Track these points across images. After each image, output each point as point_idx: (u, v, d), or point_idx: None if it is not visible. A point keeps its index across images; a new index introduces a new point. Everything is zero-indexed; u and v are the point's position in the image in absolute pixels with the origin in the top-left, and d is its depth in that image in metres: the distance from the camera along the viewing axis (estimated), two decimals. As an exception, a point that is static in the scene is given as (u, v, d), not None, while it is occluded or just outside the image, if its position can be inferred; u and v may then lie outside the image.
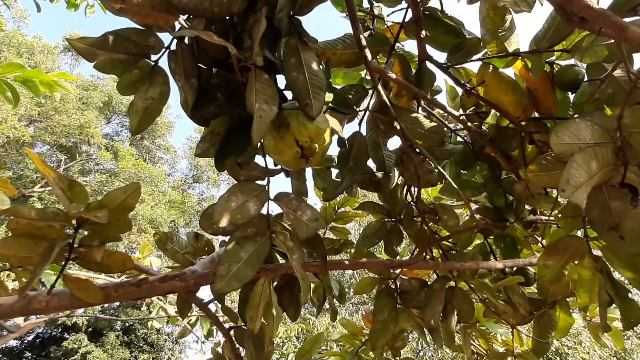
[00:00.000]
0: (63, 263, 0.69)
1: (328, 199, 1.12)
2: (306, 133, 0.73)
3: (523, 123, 0.93)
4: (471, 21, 1.10)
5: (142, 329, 12.77)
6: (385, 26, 1.07)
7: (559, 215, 0.95)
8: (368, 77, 1.37)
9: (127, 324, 12.48)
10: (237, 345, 0.96)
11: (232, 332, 0.96)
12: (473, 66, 1.07)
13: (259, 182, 0.82)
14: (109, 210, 0.66)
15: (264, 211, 0.80)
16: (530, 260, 1.12)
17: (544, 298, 1.07)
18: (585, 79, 0.86)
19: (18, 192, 11.53)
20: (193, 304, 0.96)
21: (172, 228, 15.36)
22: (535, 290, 1.19)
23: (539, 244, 1.27)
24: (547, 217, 1.16)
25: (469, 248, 1.28)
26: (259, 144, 0.83)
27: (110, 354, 11.88)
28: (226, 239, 0.92)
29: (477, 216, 0.83)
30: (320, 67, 0.78)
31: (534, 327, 1.09)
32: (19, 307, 0.67)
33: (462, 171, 1.22)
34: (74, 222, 0.67)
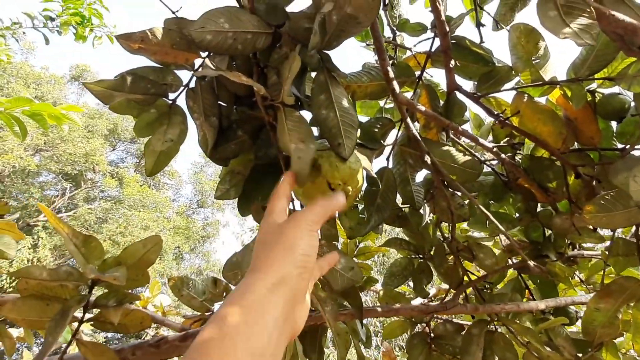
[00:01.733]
0: (76, 325, 0.63)
1: (353, 237, 1.06)
2: (339, 175, 0.67)
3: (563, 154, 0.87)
4: (496, 46, 1.06)
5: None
6: (410, 54, 1.02)
7: (606, 252, 0.88)
8: (387, 106, 1.32)
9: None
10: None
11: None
12: (504, 95, 1.02)
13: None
14: (127, 267, 0.60)
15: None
16: (573, 299, 1.04)
17: (591, 340, 0.99)
18: (632, 106, 0.80)
19: (23, 221, 11.52)
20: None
21: (177, 254, 15.21)
22: (577, 330, 1.11)
23: (577, 277, 1.19)
24: (587, 252, 1.09)
25: (501, 284, 1.20)
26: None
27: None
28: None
29: (530, 262, 0.76)
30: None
31: (581, 373, 1.00)
32: (28, 377, 0.61)
33: (491, 202, 1.15)
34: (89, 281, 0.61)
